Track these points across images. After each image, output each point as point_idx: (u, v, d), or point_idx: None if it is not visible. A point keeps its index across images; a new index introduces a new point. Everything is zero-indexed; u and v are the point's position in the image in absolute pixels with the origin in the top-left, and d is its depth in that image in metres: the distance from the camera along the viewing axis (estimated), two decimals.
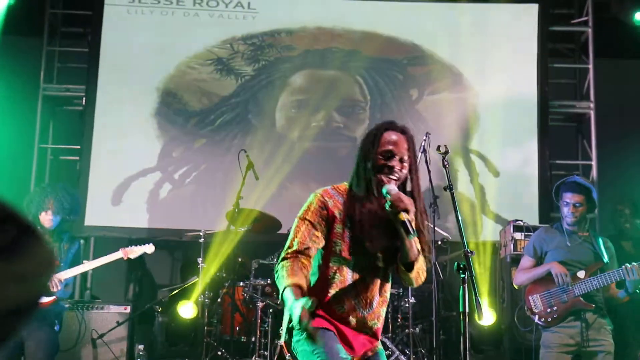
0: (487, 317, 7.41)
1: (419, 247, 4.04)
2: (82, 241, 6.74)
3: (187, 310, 7.21)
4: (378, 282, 4.08)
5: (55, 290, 6.11)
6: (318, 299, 3.71)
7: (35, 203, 6.27)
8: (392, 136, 4.03)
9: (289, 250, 3.91)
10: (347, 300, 3.97)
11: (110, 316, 7.10)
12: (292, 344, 3.95)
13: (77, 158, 9.39)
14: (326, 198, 4.03)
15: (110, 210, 9.10)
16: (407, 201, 3.84)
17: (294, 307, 3.53)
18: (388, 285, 4.18)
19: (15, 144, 9.18)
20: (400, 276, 4.13)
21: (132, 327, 7.20)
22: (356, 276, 4.01)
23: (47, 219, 6.24)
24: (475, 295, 4.17)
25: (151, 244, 6.47)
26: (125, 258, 6.34)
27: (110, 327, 7.01)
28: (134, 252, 6.35)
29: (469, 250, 4.31)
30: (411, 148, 4.08)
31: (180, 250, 9.22)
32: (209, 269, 7.42)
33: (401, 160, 3.98)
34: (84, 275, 8.87)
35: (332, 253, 4.01)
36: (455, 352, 7.59)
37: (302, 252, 3.90)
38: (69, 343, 6.81)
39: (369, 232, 3.98)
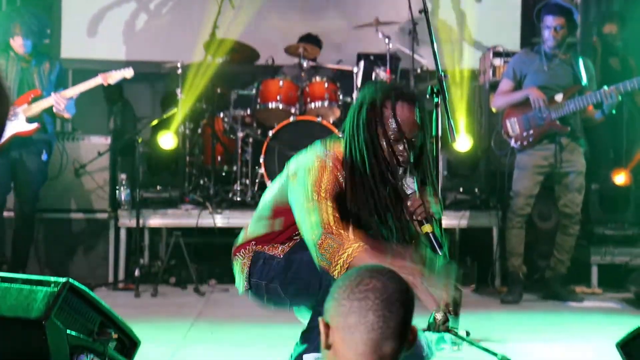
0: (464, 142, 7.50)
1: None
2: (62, 65, 6.64)
3: (167, 140, 7.23)
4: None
5: (67, 116, 6.21)
6: None
7: (2, 30, 6.20)
8: (405, 110, 3.33)
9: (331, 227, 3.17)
10: None
11: (91, 147, 7.11)
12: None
13: None
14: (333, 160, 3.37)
15: (87, 42, 9.02)
16: (422, 209, 3.34)
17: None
18: None
19: None
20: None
21: (114, 157, 7.23)
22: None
23: (18, 45, 6.17)
24: (448, 119, 4.21)
25: (130, 68, 6.38)
26: (105, 84, 6.29)
27: (91, 157, 7.05)
28: (113, 76, 6.29)
29: (442, 74, 4.34)
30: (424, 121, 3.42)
31: (159, 82, 9.18)
32: (188, 100, 7.42)
33: (409, 144, 3.33)
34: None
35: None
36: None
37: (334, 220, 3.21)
38: (52, 173, 6.87)
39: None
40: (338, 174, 3.29)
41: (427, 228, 3.27)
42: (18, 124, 6.09)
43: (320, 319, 1.91)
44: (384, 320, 1.79)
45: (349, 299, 1.82)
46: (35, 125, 6.11)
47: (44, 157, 6.26)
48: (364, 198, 3.28)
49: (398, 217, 3.37)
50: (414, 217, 3.32)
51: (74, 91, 6.21)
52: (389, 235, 3.37)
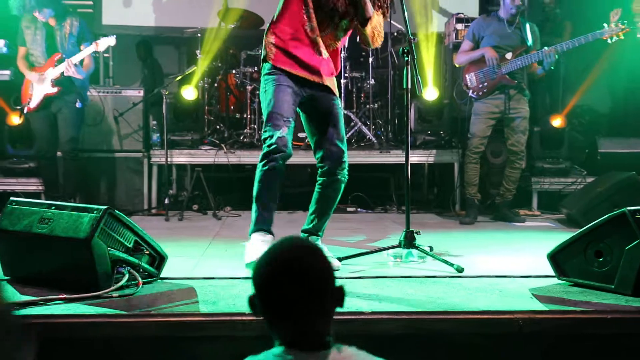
0: (432, 93, 7.48)
1: (370, 10, 3.98)
2: (85, 23, 6.51)
3: (189, 93, 7.24)
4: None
5: (78, 76, 6.13)
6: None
7: (21, 7, 6.04)
8: None
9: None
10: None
11: (127, 99, 7.14)
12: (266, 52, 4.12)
13: None
14: None
15: (123, 11, 8.94)
16: None
17: None
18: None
19: None
20: (359, 35, 4.12)
21: (146, 107, 7.26)
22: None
23: (42, 16, 6.04)
24: (416, 74, 4.22)
25: (113, 36, 6.26)
26: (97, 50, 6.22)
27: (127, 107, 7.06)
28: (101, 43, 6.20)
29: (412, 37, 4.33)
30: None
31: (182, 44, 9.15)
32: (206, 59, 7.43)
33: None
34: (106, 65, 8.88)
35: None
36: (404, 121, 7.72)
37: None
38: (95, 120, 6.91)
39: None
40: None
41: None
42: (46, 87, 6.08)
43: None
44: None
45: None
46: (57, 88, 6.08)
47: (78, 105, 6.22)
48: None
49: None
50: None
51: (77, 58, 6.11)
52: None
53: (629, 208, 3.53)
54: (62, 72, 6.04)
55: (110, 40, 6.22)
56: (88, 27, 6.44)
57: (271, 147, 3.89)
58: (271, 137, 3.90)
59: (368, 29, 4.06)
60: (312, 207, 4.27)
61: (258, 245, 3.92)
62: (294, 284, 1.70)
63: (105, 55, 8.57)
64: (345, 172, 4.17)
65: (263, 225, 3.99)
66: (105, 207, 3.48)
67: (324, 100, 4.14)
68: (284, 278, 1.71)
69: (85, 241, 3.36)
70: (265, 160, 3.92)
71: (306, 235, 4.26)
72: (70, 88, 6.14)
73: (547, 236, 5.35)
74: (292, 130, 4.01)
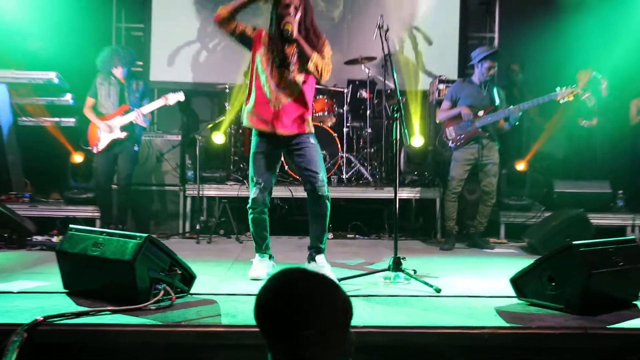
0: (418, 140, 7.54)
1: (309, 50, 4.17)
2: (147, 84, 6.66)
3: (218, 138, 7.32)
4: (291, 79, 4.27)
5: (143, 124, 6.26)
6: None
7: (107, 62, 6.23)
8: None
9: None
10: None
11: (168, 142, 7.22)
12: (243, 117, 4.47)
13: (142, 34, 9.23)
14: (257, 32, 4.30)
15: (167, 70, 9.02)
16: (292, 21, 4.10)
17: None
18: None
19: (98, 24, 9.03)
20: (308, 72, 4.26)
21: (183, 149, 7.32)
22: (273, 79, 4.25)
23: (118, 72, 6.25)
24: (404, 129, 4.32)
25: (181, 93, 6.41)
26: (167, 104, 6.34)
27: (168, 149, 7.13)
28: (170, 98, 6.33)
29: (400, 98, 4.41)
30: (304, 2, 4.23)
31: (214, 97, 9.22)
32: (233, 110, 7.50)
33: (295, 7, 4.15)
34: (152, 113, 8.95)
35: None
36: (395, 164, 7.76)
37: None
38: (142, 159, 6.97)
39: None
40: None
41: (288, 26, 4.05)
42: (115, 133, 6.18)
43: None
44: None
45: None
46: (125, 133, 6.19)
47: (135, 148, 6.33)
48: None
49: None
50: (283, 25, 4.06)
51: (146, 110, 6.25)
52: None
53: (574, 242, 3.56)
54: (131, 121, 6.15)
55: (180, 96, 6.36)
56: (147, 86, 6.54)
57: (250, 204, 4.38)
58: (251, 196, 4.37)
59: (311, 66, 4.16)
60: (310, 228, 4.50)
61: (257, 263, 4.44)
62: (286, 310, 1.58)
63: None
64: (325, 189, 4.32)
65: (260, 250, 4.48)
66: (146, 235, 3.52)
67: (296, 146, 4.33)
68: (277, 304, 1.61)
69: (129, 263, 3.41)
70: (249, 211, 4.42)
71: (312, 250, 4.48)
72: (132, 134, 6.26)
73: (512, 261, 5.35)
74: (269, 185, 4.38)
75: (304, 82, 4.31)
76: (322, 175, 4.30)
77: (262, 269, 4.36)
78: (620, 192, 7.52)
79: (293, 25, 4.08)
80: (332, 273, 4.28)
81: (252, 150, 4.37)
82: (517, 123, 6.17)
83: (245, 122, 4.39)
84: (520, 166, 7.24)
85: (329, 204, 4.36)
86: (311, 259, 4.48)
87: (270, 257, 4.52)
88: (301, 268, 1.71)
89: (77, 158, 7.06)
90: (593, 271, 3.45)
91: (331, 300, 1.62)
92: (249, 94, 4.36)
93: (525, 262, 3.91)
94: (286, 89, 4.25)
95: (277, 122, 4.25)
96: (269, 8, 4.30)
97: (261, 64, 4.24)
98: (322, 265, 4.40)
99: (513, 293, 3.78)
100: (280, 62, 4.23)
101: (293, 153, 4.36)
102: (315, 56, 4.17)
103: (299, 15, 4.16)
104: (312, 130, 4.39)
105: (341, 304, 1.63)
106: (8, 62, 7.41)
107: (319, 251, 4.45)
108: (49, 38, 8.21)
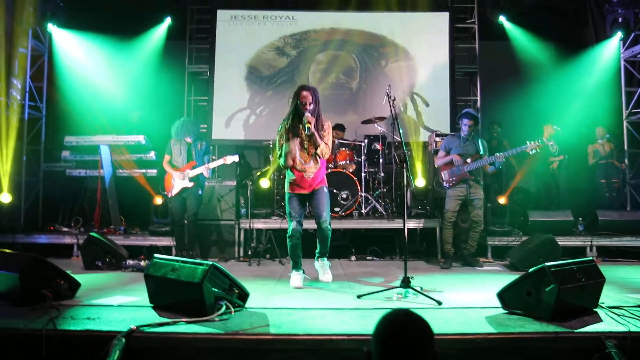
0: (421, 181, 7.51)
1: (319, 140, 4.67)
2: (209, 143, 6.75)
3: (264, 183, 7.36)
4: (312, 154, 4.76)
5: (207, 175, 6.33)
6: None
7: (181, 132, 6.34)
8: (304, 92, 4.64)
9: (279, 154, 4.81)
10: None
11: (226, 186, 7.26)
12: (285, 185, 4.88)
13: (206, 104, 9.43)
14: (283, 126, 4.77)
15: (225, 130, 9.18)
16: (310, 118, 4.58)
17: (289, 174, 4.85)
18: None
19: (174, 98, 9.29)
20: (316, 152, 4.74)
21: (237, 192, 7.34)
22: (303, 154, 4.74)
23: (188, 139, 6.35)
24: (409, 175, 4.33)
25: (237, 155, 6.48)
26: (225, 163, 6.41)
27: (226, 192, 7.18)
28: (227, 159, 6.41)
29: (406, 151, 4.43)
30: (314, 97, 4.66)
31: (262, 150, 9.33)
32: (275, 161, 7.53)
33: (309, 104, 4.61)
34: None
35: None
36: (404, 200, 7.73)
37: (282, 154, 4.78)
38: (206, 200, 7.02)
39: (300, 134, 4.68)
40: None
41: (307, 123, 4.54)
42: (185, 182, 6.25)
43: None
44: None
45: None
46: (192, 183, 6.25)
47: (199, 192, 6.37)
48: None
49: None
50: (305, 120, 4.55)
51: (212, 165, 6.32)
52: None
53: (546, 264, 3.51)
54: (198, 173, 6.23)
55: (235, 158, 6.45)
56: (208, 145, 6.64)
57: (289, 234, 4.80)
58: (290, 226, 4.79)
59: (318, 151, 4.73)
60: (318, 244, 4.93)
61: (294, 276, 4.82)
62: (402, 346, 1.67)
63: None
64: (327, 223, 4.75)
65: (296, 267, 4.86)
66: (211, 262, 3.55)
67: (315, 194, 4.80)
68: (395, 341, 1.68)
69: (198, 284, 3.43)
70: (288, 240, 4.82)
71: (318, 255, 4.96)
72: (198, 182, 6.32)
73: (497, 277, 5.26)
74: (301, 220, 4.82)
75: (318, 156, 4.83)
76: (326, 215, 4.76)
77: (299, 280, 4.77)
78: (580, 219, 7.41)
79: (311, 123, 4.57)
80: (329, 272, 4.93)
81: (287, 196, 4.84)
82: (500, 167, 6.12)
83: (287, 188, 4.84)
84: (502, 200, 7.15)
85: (329, 233, 4.81)
86: (316, 259, 5.00)
87: (303, 271, 4.89)
88: (407, 310, 1.83)
89: (158, 200, 7.19)
90: (562, 286, 3.40)
91: (431, 335, 1.77)
92: (285, 167, 4.82)
93: (508, 277, 3.85)
94: (310, 162, 4.78)
95: (309, 186, 4.79)
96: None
97: (292, 146, 4.73)
98: (322, 264, 4.97)
99: (499, 304, 3.72)
100: (304, 146, 4.75)
101: (312, 197, 4.82)
102: (322, 145, 4.70)
103: (312, 106, 4.63)
104: (326, 184, 4.88)
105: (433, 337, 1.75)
106: (111, 129, 7.66)
107: (322, 256, 4.95)
108: (139, 108, 8.49)
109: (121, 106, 8.49)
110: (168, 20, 9.35)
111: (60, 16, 8.55)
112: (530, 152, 5.91)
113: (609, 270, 4.67)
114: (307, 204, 4.99)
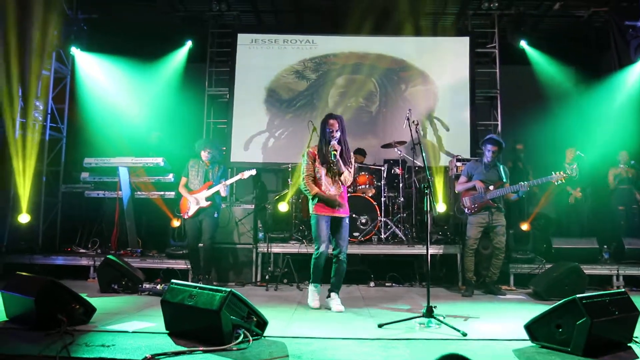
0: (442, 207, 7.39)
1: (342, 168, 4.90)
2: (226, 167, 6.71)
3: (283, 206, 7.28)
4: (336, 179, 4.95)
5: (223, 195, 6.26)
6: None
7: (200, 147, 6.32)
8: (331, 120, 4.87)
9: (304, 175, 4.96)
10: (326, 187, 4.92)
11: (244, 210, 7.19)
12: (310, 210, 4.97)
13: (225, 126, 9.46)
14: (310, 151, 4.97)
15: (243, 153, 9.19)
16: (336, 147, 4.84)
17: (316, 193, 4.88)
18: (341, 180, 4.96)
19: (194, 120, 9.34)
20: (340, 179, 4.95)
21: (255, 215, 7.25)
22: (328, 179, 4.92)
23: (205, 155, 6.28)
24: (432, 201, 4.23)
25: (254, 169, 6.39)
26: (243, 177, 6.33)
27: (244, 215, 7.11)
28: (245, 174, 6.34)
29: (429, 177, 4.34)
30: (341, 125, 4.89)
31: (280, 174, 9.31)
32: (295, 184, 7.48)
33: (336, 131, 4.86)
34: (230, 188, 9.03)
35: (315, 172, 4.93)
36: (424, 226, 7.60)
37: (310, 175, 4.96)
38: (223, 223, 6.95)
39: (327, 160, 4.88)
40: (310, 152, 4.95)
41: (334, 151, 4.81)
42: (201, 202, 6.20)
43: None
44: None
45: None
46: (209, 202, 6.19)
47: (215, 215, 6.30)
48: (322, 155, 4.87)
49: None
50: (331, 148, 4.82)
51: (228, 182, 6.26)
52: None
53: (578, 295, 3.38)
54: (215, 192, 6.18)
55: (252, 172, 6.35)
56: (225, 169, 6.59)
57: (316, 255, 4.91)
58: (318, 248, 4.88)
59: (342, 178, 4.96)
60: (333, 276, 5.00)
61: (312, 293, 5.02)
62: None
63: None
64: (343, 255, 4.92)
65: (315, 281, 5.01)
66: (229, 290, 3.47)
67: (338, 222, 4.97)
68: None
69: (216, 312, 3.35)
70: (315, 259, 4.92)
71: (331, 291, 4.98)
72: (214, 203, 6.27)
73: (522, 307, 5.11)
74: (328, 244, 4.91)
75: (341, 182, 5.02)
76: (346, 248, 4.96)
77: (317, 300, 4.99)
78: (605, 246, 7.19)
79: (337, 150, 4.81)
80: (341, 305, 4.85)
81: (314, 220, 4.93)
82: (523, 196, 5.99)
83: (313, 210, 4.95)
84: (524, 227, 6.98)
85: (345, 266, 4.97)
86: (329, 295, 5.01)
87: (320, 287, 5.06)
88: (459, 355, 2.01)
89: (176, 223, 7.14)
90: (594, 320, 3.26)
91: None
92: (313, 190, 4.94)
93: (533, 307, 3.73)
94: (333, 186, 4.95)
95: (337, 206, 4.93)
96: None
97: (318, 172, 4.94)
98: (334, 298, 4.95)
99: (527, 337, 3.56)
100: (330, 172, 4.95)
101: (335, 226, 4.96)
102: (345, 172, 4.92)
103: (338, 134, 4.86)
104: (348, 213, 5.04)
105: None
106: (131, 150, 7.68)
107: (334, 291, 4.98)
108: (159, 130, 8.53)
109: (141, 128, 8.54)
110: (189, 44, 9.45)
111: (83, 39, 8.69)
112: (556, 183, 5.78)
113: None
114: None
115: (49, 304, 3.73)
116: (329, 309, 4.87)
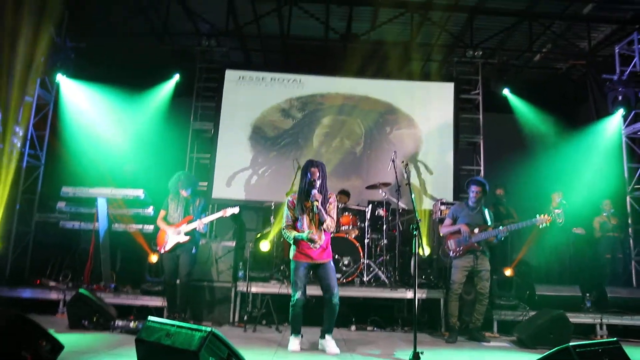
0: (426, 250, 7.29)
1: (324, 216, 4.85)
2: (207, 201, 6.54)
3: (265, 245, 7.13)
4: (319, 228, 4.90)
5: (201, 231, 6.07)
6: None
7: (175, 186, 6.16)
8: (313, 169, 4.87)
9: (285, 225, 4.96)
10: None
11: (224, 247, 7.01)
12: (290, 255, 4.96)
13: (208, 161, 9.33)
14: (290, 200, 4.97)
15: (225, 189, 9.05)
16: (318, 196, 4.81)
17: (301, 235, 4.84)
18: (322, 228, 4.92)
19: (177, 154, 9.20)
20: (321, 227, 4.91)
21: (236, 253, 7.08)
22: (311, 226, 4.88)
23: (184, 193, 6.15)
24: (421, 243, 4.12)
25: (237, 207, 6.22)
26: (224, 215, 6.18)
27: (224, 253, 6.92)
28: (228, 212, 6.17)
29: (418, 219, 4.26)
30: (322, 172, 4.90)
31: (262, 212, 9.17)
32: (277, 223, 7.34)
33: (317, 179, 4.86)
34: (210, 224, 8.83)
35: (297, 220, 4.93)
36: (407, 269, 7.48)
37: (289, 225, 4.94)
38: (202, 260, 6.74)
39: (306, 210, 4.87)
40: (290, 201, 4.96)
41: (315, 203, 4.76)
42: (179, 237, 6.01)
43: None
44: None
45: None
46: (188, 237, 6.01)
47: (193, 251, 6.10)
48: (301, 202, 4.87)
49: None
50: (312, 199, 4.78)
51: (207, 220, 6.08)
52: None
53: (571, 344, 3.27)
54: (194, 228, 6.00)
55: (235, 210, 6.19)
56: (206, 203, 6.43)
57: (293, 302, 4.89)
58: (295, 295, 4.87)
59: (324, 226, 4.92)
60: (324, 319, 4.96)
61: (293, 340, 4.93)
62: None
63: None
64: (335, 298, 4.85)
65: (295, 332, 4.96)
66: (210, 329, 3.28)
67: (322, 267, 4.92)
68: None
69: (194, 353, 3.16)
70: (292, 307, 4.90)
71: (323, 332, 4.94)
72: (193, 238, 6.08)
73: (507, 354, 4.99)
74: (305, 290, 4.89)
75: (324, 230, 4.98)
76: (337, 289, 4.89)
77: (297, 345, 4.91)
78: (588, 294, 7.14)
79: (319, 200, 4.81)
80: (336, 347, 4.82)
81: (294, 267, 4.92)
82: (503, 239, 5.95)
83: (293, 256, 4.94)
84: (508, 272, 6.91)
85: (337, 308, 4.89)
86: (322, 336, 4.97)
87: (302, 336, 5.02)
88: None
89: (153, 258, 6.89)
90: None
91: None
92: (292, 233, 4.93)
93: (519, 355, 3.63)
94: (317, 234, 4.90)
95: (316, 256, 4.90)
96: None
97: (300, 219, 4.91)
98: (328, 340, 4.91)
99: None
100: (312, 220, 4.92)
101: (319, 271, 4.92)
102: (328, 220, 4.89)
103: (320, 181, 4.87)
104: (332, 257, 4.99)
105: None
106: (109, 181, 7.47)
107: (328, 332, 4.94)
108: (139, 161, 8.35)
109: (123, 159, 8.37)
110: (176, 77, 9.42)
111: (70, 67, 8.56)
112: (540, 226, 5.74)
113: (630, 352, 4.38)
114: (311, 273, 5.05)
115: (13, 339, 3.47)
116: (324, 351, 4.81)
